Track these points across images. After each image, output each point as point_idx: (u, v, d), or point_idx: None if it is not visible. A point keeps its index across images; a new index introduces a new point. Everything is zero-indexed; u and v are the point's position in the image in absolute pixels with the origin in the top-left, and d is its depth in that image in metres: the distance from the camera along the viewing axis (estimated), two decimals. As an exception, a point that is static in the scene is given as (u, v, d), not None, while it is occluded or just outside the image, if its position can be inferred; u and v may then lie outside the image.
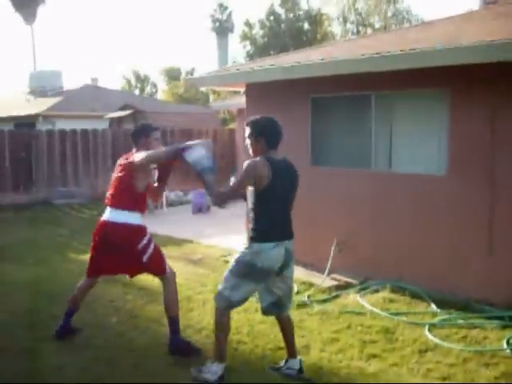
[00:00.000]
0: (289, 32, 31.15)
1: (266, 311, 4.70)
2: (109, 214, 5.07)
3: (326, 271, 7.43)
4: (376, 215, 7.42)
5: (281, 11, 32.96)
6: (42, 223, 12.70)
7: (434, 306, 6.27)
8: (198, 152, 4.51)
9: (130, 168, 4.98)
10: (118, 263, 5.11)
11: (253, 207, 4.38)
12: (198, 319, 5.91)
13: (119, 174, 5.12)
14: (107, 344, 5.27)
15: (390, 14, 29.44)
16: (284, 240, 4.38)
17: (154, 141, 5.20)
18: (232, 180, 4.22)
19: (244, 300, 4.55)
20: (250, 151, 4.51)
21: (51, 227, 12.01)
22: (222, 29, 51.90)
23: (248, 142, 4.50)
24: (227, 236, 9.83)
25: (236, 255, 4.51)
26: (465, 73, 6.28)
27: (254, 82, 8.79)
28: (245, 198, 4.51)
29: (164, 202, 14.08)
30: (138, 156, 4.95)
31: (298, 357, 4.73)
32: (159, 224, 10.74)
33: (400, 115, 7.31)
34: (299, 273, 7.73)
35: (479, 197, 6.43)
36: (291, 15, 32.52)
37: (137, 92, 55.23)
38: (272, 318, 5.84)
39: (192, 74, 52.19)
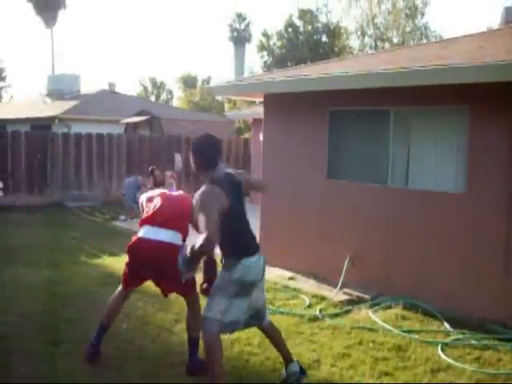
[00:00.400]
0: (307, 44, 31.17)
1: (246, 325, 4.55)
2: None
3: (339, 285, 7.38)
4: (390, 231, 7.37)
5: (299, 23, 33.03)
6: (55, 226, 12.76)
7: (447, 325, 6.20)
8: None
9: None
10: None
11: (224, 229, 4.18)
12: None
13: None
14: (117, 351, 5.25)
15: (408, 29, 29.39)
16: (259, 250, 4.43)
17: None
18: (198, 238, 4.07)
19: (237, 321, 4.35)
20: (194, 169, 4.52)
21: (64, 230, 12.06)
22: (240, 39, 52.23)
23: (191, 160, 4.49)
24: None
25: (220, 276, 4.37)
26: (485, 90, 6.25)
27: (272, 93, 8.80)
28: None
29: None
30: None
31: (295, 359, 4.75)
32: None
33: (418, 131, 7.27)
34: (310, 286, 7.74)
35: (497, 216, 6.37)
36: (309, 27, 32.56)
37: (153, 98, 55.60)
38: (285, 331, 5.84)
39: (208, 83, 52.50)
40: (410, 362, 5.25)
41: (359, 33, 30.18)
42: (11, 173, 15.40)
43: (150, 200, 5.17)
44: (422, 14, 29.81)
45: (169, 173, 13.02)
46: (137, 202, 13.96)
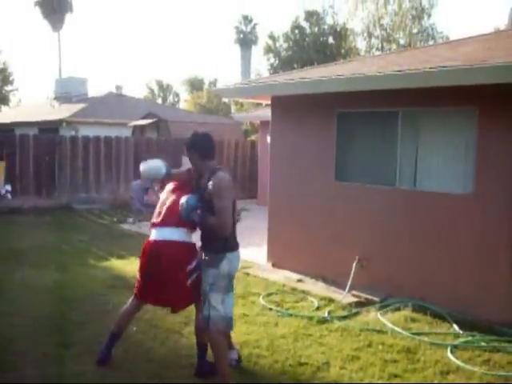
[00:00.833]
0: (313, 46, 31.15)
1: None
2: None
3: (347, 287, 7.36)
4: (399, 233, 7.35)
5: (306, 25, 33.03)
6: (63, 228, 12.79)
7: (456, 327, 6.18)
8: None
9: None
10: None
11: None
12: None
13: None
14: (126, 353, 5.25)
15: (415, 30, 29.35)
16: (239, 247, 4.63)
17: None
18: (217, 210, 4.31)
19: (231, 316, 4.56)
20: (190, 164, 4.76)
21: (72, 232, 12.09)
22: (246, 41, 52.29)
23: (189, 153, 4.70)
24: (246, 248, 9.77)
25: (209, 274, 4.46)
26: (493, 91, 6.23)
27: (280, 95, 8.80)
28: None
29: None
30: None
31: (236, 347, 5.04)
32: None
33: (426, 132, 7.25)
34: (319, 288, 7.73)
35: (505, 217, 6.35)
36: (316, 29, 32.56)
37: (159, 101, 55.71)
38: (294, 333, 5.85)
39: (215, 85, 52.56)
40: (419, 364, 5.24)
41: (366, 34, 30.16)
42: (19, 176, 15.47)
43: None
44: (429, 15, 29.79)
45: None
46: (145, 205, 13.95)
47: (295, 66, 29.25)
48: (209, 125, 21.86)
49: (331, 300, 7.16)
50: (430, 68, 6.45)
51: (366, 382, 4.87)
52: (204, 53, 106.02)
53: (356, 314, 6.71)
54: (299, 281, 8.11)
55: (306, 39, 32.16)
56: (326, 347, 5.58)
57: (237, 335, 5.68)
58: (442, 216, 6.91)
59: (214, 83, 55.11)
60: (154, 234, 4.94)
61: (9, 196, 14.80)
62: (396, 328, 6.10)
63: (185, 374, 4.89)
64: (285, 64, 31.47)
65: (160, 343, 5.55)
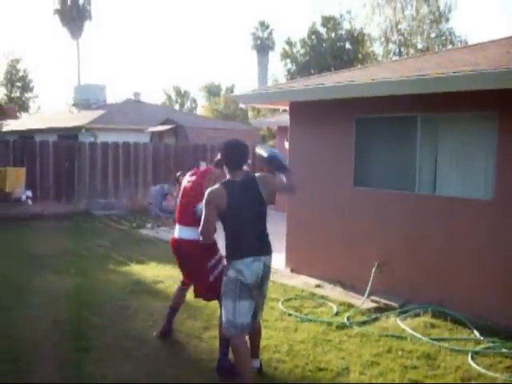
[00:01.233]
0: (330, 51, 31.16)
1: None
2: None
3: (366, 293, 7.34)
4: (419, 238, 7.32)
5: (323, 30, 33.06)
6: (83, 234, 12.91)
7: (476, 333, 6.13)
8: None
9: None
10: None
11: (224, 229, 4.61)
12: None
13: None
14: (147, 357, 5.30)
15: (433, 34, 29.21)
16: (261, 255, 4.56)
17: None
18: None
19: (246, 323, 4.54)
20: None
21: (91, 238, 12.18)
22: (263, 46, 52.45)
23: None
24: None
25: (223, 280, 4.64)
26: (513, 96, 6.19)
27: (298, 101, 8.82)
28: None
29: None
30: None
31: (260, 357, 5.05)
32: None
33: (446, 137, 7.22)
34: (337, 293, 7.71)
35: (526, 223, 6.30)
36: (333, 35, 32.56)
37: (177, 107, 56.00)
38: (313, 339, 5.85)
39: (232, 91, 52.73)
40: (439, 371, 5.20)
41: (383, 39, 30.08)
42: (40, 182, 15.64)
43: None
44: (447, 19, 29.65)
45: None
46: (163, 210, 14.09)
47: (312, 71, 29.25)
48: (227, 131, 21.93)
49: (350, 305, 7.15)
50: (454, 72, 6.41)
51: (387, 387, 4.85)
52: (221, 59, 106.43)
53: (375, 319, 6.69)
54: (318, 286, 8.11)
55: (323, 45, 32.17)
56: (345, 353, 5.57)
57: (256, 340, 5.73)
58: (462, 221, 6.88)
59: (231, 89, 55.31)
60: (176, 231, 5.40)
61: (29, 202, 14.96)
62: (416, 334, 6.07)
63: (206, 378, 4.92)
64: (302, 70, 31.52)
65: (180, 348, 5.58)
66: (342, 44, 32.20)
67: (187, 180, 5.49)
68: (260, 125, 23.55)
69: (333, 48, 31.57)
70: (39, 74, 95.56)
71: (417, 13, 28.75)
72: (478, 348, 5.75)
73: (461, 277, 6.87)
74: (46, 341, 5.69)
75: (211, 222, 4.57)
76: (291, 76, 32.16)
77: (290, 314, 6.73)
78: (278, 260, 9.27)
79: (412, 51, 28.69)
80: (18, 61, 47.33)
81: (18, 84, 47.69)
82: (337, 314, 6.83)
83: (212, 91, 56.30)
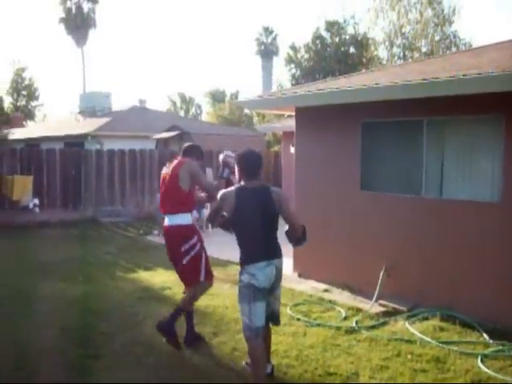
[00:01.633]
0: (335, 56, 31.17)
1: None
2: None
3: (375, 297, 7.33)
4: (426, 242, 7.32)
5: (327, 35, 33.08)
6: (90, 241, 12.95)
7: (486, 337, 6.11)
8: None
9: None
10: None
11: (235, 234, 4.81)
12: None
13: None
14: (158, 363, 5.31)
15: (437, 38, 29.15)
16: (273, 259, 4.70)
17: None
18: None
19: (261, 325, 4.65)
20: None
21: (99, 245, 12.22)
22: (267, 52, 52.57)
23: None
24: (273, 259, 9.82)
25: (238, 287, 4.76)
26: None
27: (304, 106, 8.83)
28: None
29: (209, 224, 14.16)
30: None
31: (272, 362, 5.12)
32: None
33: (452, 141, 7.22)
34: (345, 298, 7.71)
35: (534, 225, 6.29)
36: (337, 39, 32.58)
37: (181, 113, 56.15)
38: (322, 343, 5.85)
39: (237, 97, 52.87)
40: (449, 374, 5.19)
41: (387, 43, 30.04)
42: (47, 189, 15.73)
43: None
44: (450, 23, 29.60)
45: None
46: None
47: (317, 76, 29.26)
48: (232, 136, 21.98)
49: (358, 310, 7.14)
50: (463, 75, 6.41)
51: (396, 391, 4.85)
52: (225, 65, 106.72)
53: (384, 323, 6.68)
54: (326, 291, 8.11)
55: (328, 49, 32.19)
56: (354, 357, 5.57)
57: (265, 345, 5.73)
58: (470, 225, 6.87)
59: (235, 95, 55.46)
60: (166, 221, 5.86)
61: (36, 210, 15.04)
62: (425, 337, 6.06)
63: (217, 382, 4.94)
64: (306, 74, 31.53)
65: (191, 353, 5.58)
66: (346, 48, 32.21)
67: (165, 171, 5.85)
68: (265, 130, 23.58)
69: (337, 52, 31.58)
70: (45, 82, 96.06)
71: (421, 16, 28.69)
72: (487, 351, 5.74)
73: (469, 280, 6.85)
74: (55, 348, 5.71)
75: (217, 210, 4.83)
76: (296, 81, 32.17)
77: (298, 319, 6.72)
78: (286, 265, 9.24)
79: (416, 55, 28.65)
80: (23, 69, 47.68)
81: (24, 92, 48.00)
82: (345, 318, 6.83)
83: (217, 97, 56.45)
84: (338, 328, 6.41)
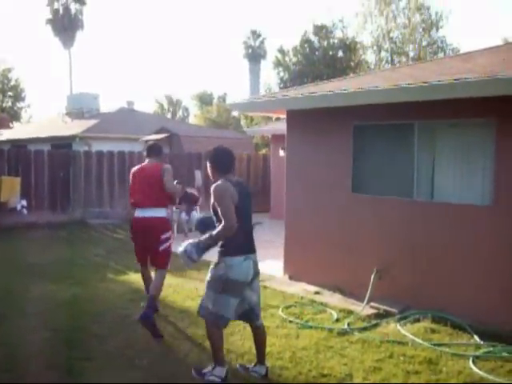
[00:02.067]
0: (323, 59, 31.31)
1: (238, 319, 5.09)
2: None
3: (366, 299, 7.37)
4: (417, 244, 7.37)
5: (315, 39, 33.23)
6: (79, 243, 12.89)
7: (477, 338, 6.17)
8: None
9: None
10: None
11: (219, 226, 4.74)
12: (240, 343, 5.88)
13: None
14: (151, 366, 5.29)
15: (424, 42, 29.42)
16: (251, 253, 4.88)
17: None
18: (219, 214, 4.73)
19: (226, 317, 4.82)
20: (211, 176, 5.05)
21: (88, 247, 12.17)
22: (255, 55, 52.65)
23: (209, 167, 5.07)
24: (264, 261, 9.78)
25: (210, 272, 4.89)
26: (510, 102, 6.25)
27: (295, 109, 8.86)
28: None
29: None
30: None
31: (267, 364, 5.15)
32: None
33: (443, 144, 7.29)
34: (337, 300, 7.74)
35: (524, 228, 6.35)
36: (325, 43, 32.73)
37: (169, 116, 56.02)
38: (315, 345, 5.87)
39: (224, 100, 52.87)
40: (442, 375, 5.23)
41: (375, 47, 30.27)
42: (34, 191, 15.60)
43: None
44: (438, 28, 29.84)
45: (189, 189, 13.09)
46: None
47: (305, 80, 29.37)
48: (220, 139, 21.94)
49: (350, 312, 7.17)
50: (447, 80, 6.49)
51: (390, 392, 4.87)
52: (213, 68, 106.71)
53: (375, 325, 6.71)
54: (317, 293, 8.13)
55: (316, 53, 32.33)
56: (347, 359, 5.59)
57: (259, 347, 5.74)
58: (461, 227, 6.93)
59: (223, 98, 55.44)
60: (139, 213, 6.67)
61: (24, 211, 14.91)
62: (416, 339, 6.10)
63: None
64: (295, 78, 31.64)
65: (184, 355, 5.57)
66: (334, 52, 32.37)
67: (142, 173, 6.85)
68: (254, 133, 23.60)
69: (325, 56, 31.72)
70: (31, 83, 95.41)
71: (409, 21, 28.96)
72: (478, 352, 5.79)
73: (460, 282, 6.91)
74: (48, 350, 5.67)
75: (232, 211, 4.63)
76: (284, 84, 32.27)
77: (290, 321, 6.74)
78: (276, 267, 9.33)
79: (404, 59, 28.90)
80: (9, 70, 47.34)
81: (10, 93, 47.66)
82: (337, 320, 6.85)
83: (204, 100, 56.39)
84: (331, 330, 6.44)
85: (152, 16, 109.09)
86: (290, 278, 8.97)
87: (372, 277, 7.55)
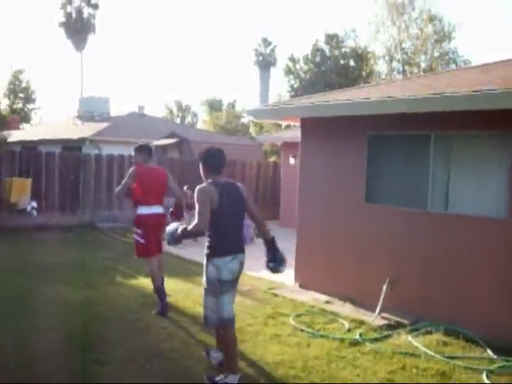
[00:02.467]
0: (334, 68, 31.33)
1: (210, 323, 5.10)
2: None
3: (378, 310, 7.33)
4: (430, 256, 7.33)
5: (326, 48, 33.28)
6: (88, 245, 12.88)
7: (490, 352, 6.11)
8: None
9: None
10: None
11: (208, 227, 4.87)
12: (251, 351, 5.86)
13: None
14: (162, 371, 5.27)
15: (436, 54, 29.39)
16: (239, 253, 4.99)
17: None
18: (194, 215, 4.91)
19: (232, 316, 4.98)
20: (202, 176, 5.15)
21: (97, 250, 12.15)
22: (265, 63, 52.78)
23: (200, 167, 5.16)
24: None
25: (203, 278, 4.99)
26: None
27: (310, 117, 8.84)
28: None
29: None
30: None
31: (238, 374, 5.03)
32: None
33: (459, 156, 7.25)
34: (348, 310, 7.70)
35: (540, 242, 6.30)
36: (336, 52, 32.76)
37: (178, 121, 56.11)
38: (327, 355, 5.83)
39: (234, 106, 52.93)
40: (455, 389, 5.19)
41: (387, 57, 30.27)
42: (45, 193, 15.63)
43: None
44: (449, 39, 29.82)
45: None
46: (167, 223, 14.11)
47: (316, 88, 29.39)
48: (230, 145, 21.95)
49: (361, 322, 7.13)
50: (474, 91, 6.40)
51: (404, 405, 4.83)
52: (223, 74, 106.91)
53: (387, 336, 6.67)
54: (327, 302, 8.08)
55: (328, 62, 32.35)
56: (360, 369, 5.56)
57: (270, 355, 5.74)
58: (475, 240, 6.88)
59: (232, 104, 55.51)
60: (154, 210, 7.43)
61: (34, 213, 14.95)
62: (429, 351, 6.06)
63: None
64: (306, 86, 31.66)
65: (196, 361, 5.53)
66: (345, 61, 32.38)
67: (150, 174, 7.45)
68: (264, 140, 23.59)
69: (336, 65, 31.73)
70: (42, 85, 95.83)
71: (421, 32, 28.95)
72: (492, 367, 5.73)
73: (473, 295, 6.86)
74: (61, 353, 5.66)
75: (206, 214, 4.78)
76: (295, 92, 32.29)
77: (302, 330, 6.71)
78: (287, 275, 9.27)
79: (415, 70, 28.87)
80: (21, 72, 47.59)
81: (21, 95, 47.90)
82: (348, 330, 6.81)
83: (213, 106, 56.46)
84: (342, 340, 6.39)
85: (163, 22, 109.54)
86: (301, 286, 8.93)
87: (384, 287, 7.50)
